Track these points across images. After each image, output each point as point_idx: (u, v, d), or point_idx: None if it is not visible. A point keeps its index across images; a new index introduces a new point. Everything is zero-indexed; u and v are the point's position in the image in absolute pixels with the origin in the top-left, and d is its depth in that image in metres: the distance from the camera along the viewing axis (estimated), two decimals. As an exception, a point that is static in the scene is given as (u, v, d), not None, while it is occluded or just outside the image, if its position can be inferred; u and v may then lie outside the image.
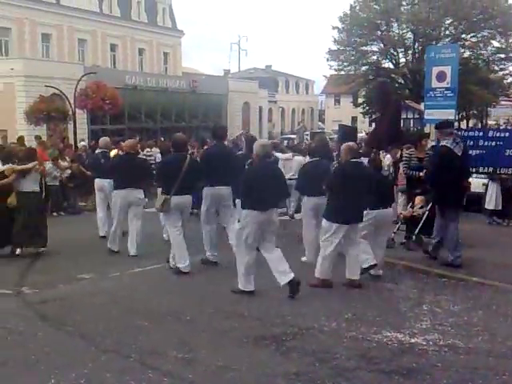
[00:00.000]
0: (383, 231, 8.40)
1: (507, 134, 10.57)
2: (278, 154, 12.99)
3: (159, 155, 16.53)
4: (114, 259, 9.49)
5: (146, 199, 10.44)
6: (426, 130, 15.21)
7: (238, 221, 7.58)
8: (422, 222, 9.73)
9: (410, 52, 43.75)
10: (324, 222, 7.81)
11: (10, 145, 15.82)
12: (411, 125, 27.09)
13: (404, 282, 8.13)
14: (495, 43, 43.22)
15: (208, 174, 8.83)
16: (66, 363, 5.23)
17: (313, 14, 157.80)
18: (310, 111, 74.62)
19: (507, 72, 44.90)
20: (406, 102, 29.32)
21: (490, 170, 11.26)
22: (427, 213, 9.69)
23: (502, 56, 43.65)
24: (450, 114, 12.70)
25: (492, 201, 12.78)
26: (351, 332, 6.10)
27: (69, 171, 14.92)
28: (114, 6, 43.34)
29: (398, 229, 10.39)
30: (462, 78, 23.45)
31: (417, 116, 28.01)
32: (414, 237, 9.90)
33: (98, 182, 11.21)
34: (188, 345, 5.67)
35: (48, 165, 13.75)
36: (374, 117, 39.27)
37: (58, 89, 26.60)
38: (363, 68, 45.51)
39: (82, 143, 19.57)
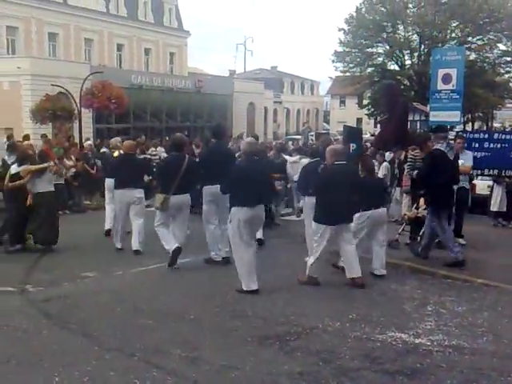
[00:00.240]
0: (380, 231, 8.44)
1: (512, 137, 10.58)
2: (287, 157, 13.33)
3: (164, 154, 16.56)
4: (117, 258, 9.50)
5: (146, 202, 10.43)
6: (432, 131, 15.18)
7: (230, 221, 7.62)
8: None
9: (415, 54, 43.80)
10: (313, 223, 7.92)
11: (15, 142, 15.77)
12: (418, 126, 27.01)
13: (409, 282, 8.12)
14: (501, 46, 43.34)
15: (207, 173, 8.88)
16: (70, 361, 5.23)
17: (319, 16, 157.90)
18: (315, 112, 74.51)
19: (513, 75, 44.97)
20: (413, 103, 29.29)
21: (495, 172, 11.26)
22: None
23: (508, 59, 43.73)
24: (455, 116, 12.69)
25: (497, 203, 12.74)
26: (355, 332, 6.09)
27: (74, 170, 14.94)
28: (121, 6, 43.44)
29: (402, 230, 10.41)
30: (468, 81, 23.46)
31: (423, 118, 27.95)
32: (418, 238, 9.89)
33: (107, 181, 11.28)
34: (192, 344, 5.67)
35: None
36: (379, 118, 39.23)
37: (64, 88, 26.63)
38: (369, 70, 45.62)
39: (88, 142, 19.52)
